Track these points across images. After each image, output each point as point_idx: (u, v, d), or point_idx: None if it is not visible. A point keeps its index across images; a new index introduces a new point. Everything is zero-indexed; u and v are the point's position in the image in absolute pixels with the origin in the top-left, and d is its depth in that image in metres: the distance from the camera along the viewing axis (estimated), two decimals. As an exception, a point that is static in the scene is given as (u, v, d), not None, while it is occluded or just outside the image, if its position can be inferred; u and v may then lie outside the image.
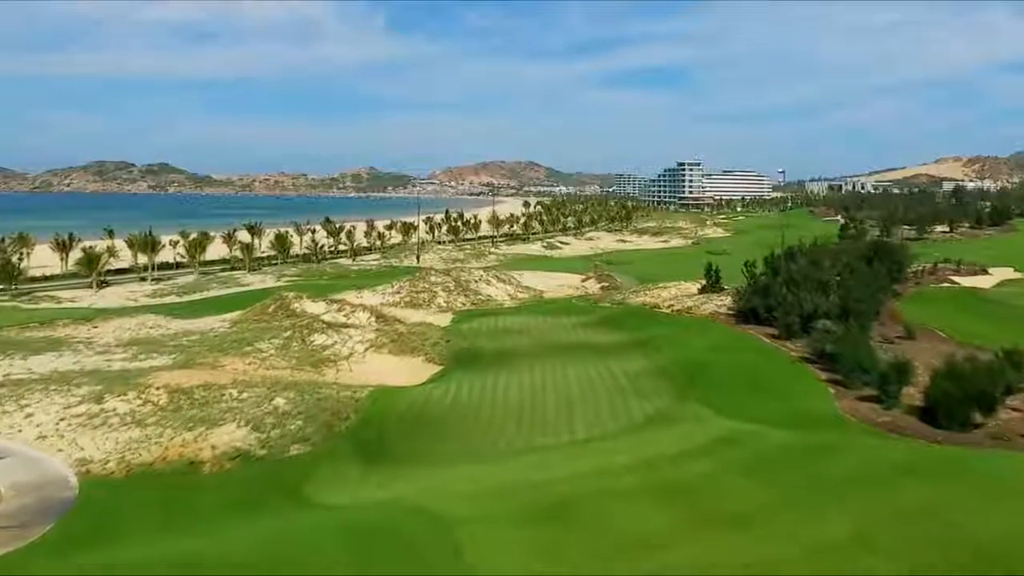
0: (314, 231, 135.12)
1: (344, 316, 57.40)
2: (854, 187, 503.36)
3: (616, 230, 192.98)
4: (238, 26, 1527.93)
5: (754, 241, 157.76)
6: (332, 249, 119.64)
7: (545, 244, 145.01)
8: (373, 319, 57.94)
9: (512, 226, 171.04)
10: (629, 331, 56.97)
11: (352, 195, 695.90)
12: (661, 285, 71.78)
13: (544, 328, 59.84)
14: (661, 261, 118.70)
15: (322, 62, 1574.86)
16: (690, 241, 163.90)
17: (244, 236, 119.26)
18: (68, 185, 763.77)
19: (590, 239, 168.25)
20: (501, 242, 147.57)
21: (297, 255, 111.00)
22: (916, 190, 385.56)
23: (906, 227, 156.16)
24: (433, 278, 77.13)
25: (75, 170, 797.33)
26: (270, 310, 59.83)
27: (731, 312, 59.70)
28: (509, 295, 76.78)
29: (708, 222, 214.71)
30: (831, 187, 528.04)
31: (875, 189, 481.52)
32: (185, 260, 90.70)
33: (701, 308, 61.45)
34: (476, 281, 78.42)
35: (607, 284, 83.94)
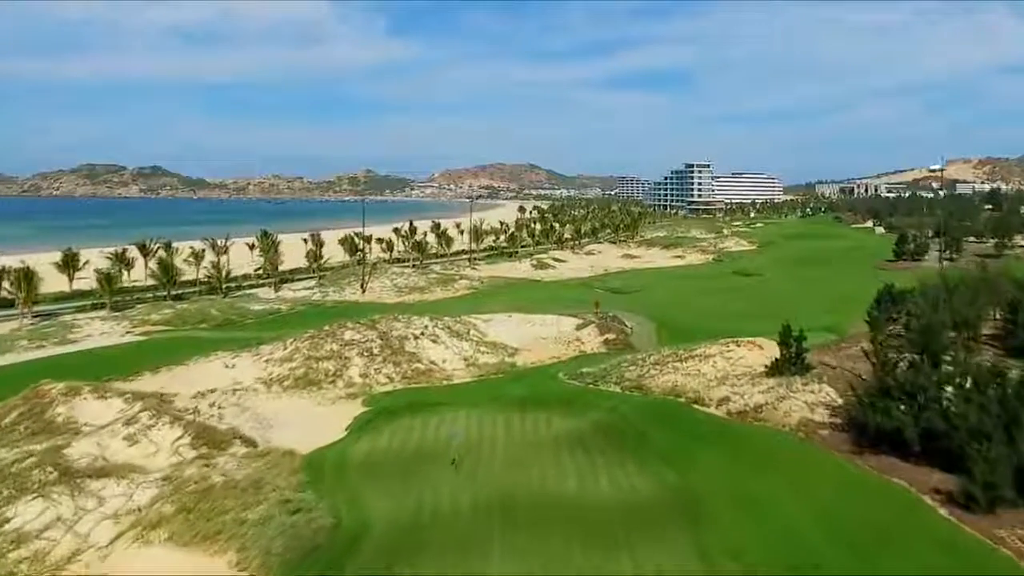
0: (252, 246, 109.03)
1: (127, 438, 31.09)
2: (866, 190, 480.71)
3: (621, 241, 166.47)
4: (238, 28, 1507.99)
5: (789, 257, 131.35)
6: (261, 272, 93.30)
7: (535, 262, 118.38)
8: (186, 440, 31.63)
9: (498, 238, 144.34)
10: (657, 464, 30.69)
11: (348, 198, 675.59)
12: (699, 351, 45.30)
13: (505, 448, 33.56)
14: (682, 288, 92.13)
15: (322, 65, 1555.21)
16: (710, 257, 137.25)
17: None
18: (57, 189, 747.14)
19: (591, 253, 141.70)
20: (481, 260, 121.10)
21: (204, 282, 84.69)
22: (933, 193, 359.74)
23: (972, 239, 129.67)
24: (349, 334, 50.79)
25: (65, 173, 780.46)
26: (11, 417, 33.52)
27: (836, 422, 33.43)
28: (465, 360, 50.43)
29: (725, 231, 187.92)
30: (842, 189, 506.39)
31: (888, 191, 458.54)
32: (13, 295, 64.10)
33: (780, 409, 35.07)
34: (417, 336, 52.05)
35: (614, 337, 57.48)
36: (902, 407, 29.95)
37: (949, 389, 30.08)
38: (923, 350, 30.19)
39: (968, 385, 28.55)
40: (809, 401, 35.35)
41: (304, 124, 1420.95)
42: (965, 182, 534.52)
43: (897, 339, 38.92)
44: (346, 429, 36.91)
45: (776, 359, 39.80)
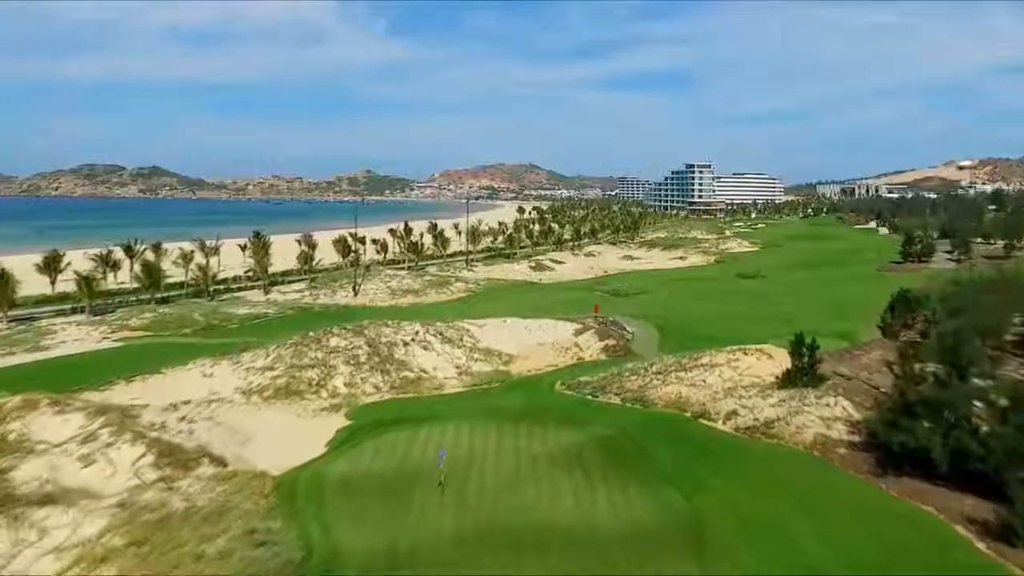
0: (244, 247, 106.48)
1: (82, 459, 28.57)
2: (867, 190, 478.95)
3: (621, 242, 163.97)
4: (238, 28, 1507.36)
5: (793, 258, 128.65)
6: (250, 274, 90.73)
7: (533, 264, 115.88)
8: (148, 459, 29.11)
9: (495, 239, 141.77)
10: (661, 487, 28.19)
11: (348, 199, 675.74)
12: (703, 360, 42.71)
13: (497, 468, 30.99)
14: (684, 291, 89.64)
15: (322, 65, 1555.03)
16: (712, 258, 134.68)
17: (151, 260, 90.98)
18: (56, 189, 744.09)
19: (590, 255, 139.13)
20: (479, 262, 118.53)
21: (191, 284, 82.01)
22: (942, 193, 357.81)
23: (979, 240, 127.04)
24: (335, 340, 48.30)
25: (64, 173, 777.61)
26: (-41, 436, 30.94)
27: (855, 439, 30.89)
28: (457, 368, 47.90)
29: (727, 232, 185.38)
30: (843, 190, 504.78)
31: (889, 192, 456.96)
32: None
33: (792, 425, 32.57)
34: (407, 343, 49.54)
35: (614, 343, 54.93)
36: (927, 425, 27.48)
37: (979, 405, 27.62)
38: (951, 362, 27.58)
39: (1004, 402, 25.98)
40: (824, 416, 32.85)
41: (304, 124, 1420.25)
42: (967, 183, 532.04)
43: (916, 347, 36.41)
44: (326, 445, 34.41)
45: (787, 369, 37.29)
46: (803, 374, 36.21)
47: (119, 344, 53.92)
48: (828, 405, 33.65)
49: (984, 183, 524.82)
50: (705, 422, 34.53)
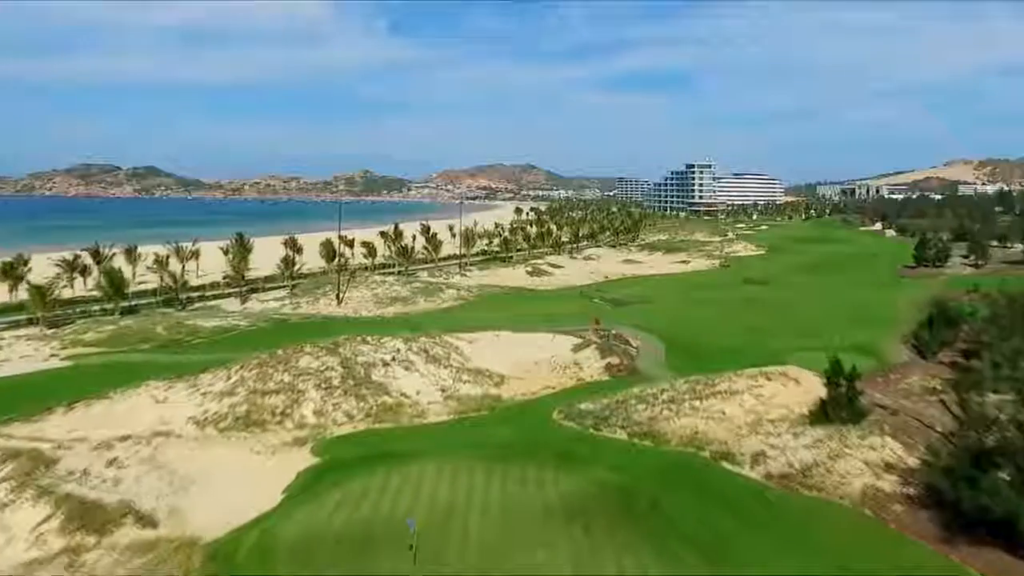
0: (227, 251, 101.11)
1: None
2: (868, 191, 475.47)
3: (621, 244, 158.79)
4: (237, 29, 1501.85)
5: (800, 262, 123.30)
6: (226, 280, 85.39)
7: (530, 268, 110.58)
8: (55, 523, 23.92)
9: (491, 241, 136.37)
10: (679, 549, 23.11)
11: (346, 199, 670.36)
12: (721, 386, 37.52)
13: (482, 523, 25.83)
14: (690, 298, 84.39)
15: (321, 65, 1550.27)
16: (716, 262, 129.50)
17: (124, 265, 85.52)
18: (50, 189, 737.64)
19: (589, 258, 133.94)
20: (474, 266, 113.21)
21: (163, 292, 76.48)
22: (946, 194, 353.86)
23: (994, 243, 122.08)
24: (306, 360, 43.06)
25: (58, 173, 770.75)
26: None
27: (911, 492, 25.74)
28: (443, 391, 42.68)
29: (730, 234, 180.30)
30: (843, 191, 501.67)
31: (890, 192, 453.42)
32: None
33: (835, 472, 27.38)
34: (387, 363, 44.33)
35: (617, 361, 49.66)
36: (1008, 480, 22.41)
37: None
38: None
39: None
40: (871, 460, 27.71)
41: (302, 124, 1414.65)
42: (966, 183, 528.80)
43: (973, 377, 31.27)
44: (283, 492, 29.22)
45: (821, 399, 32.17)
46: (840, 407, 31.08)
47: (68, 363, 48.54)
48: (874, 447, 28.55)
49: (983, 184, 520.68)
50: (728, 466, 29.37)
